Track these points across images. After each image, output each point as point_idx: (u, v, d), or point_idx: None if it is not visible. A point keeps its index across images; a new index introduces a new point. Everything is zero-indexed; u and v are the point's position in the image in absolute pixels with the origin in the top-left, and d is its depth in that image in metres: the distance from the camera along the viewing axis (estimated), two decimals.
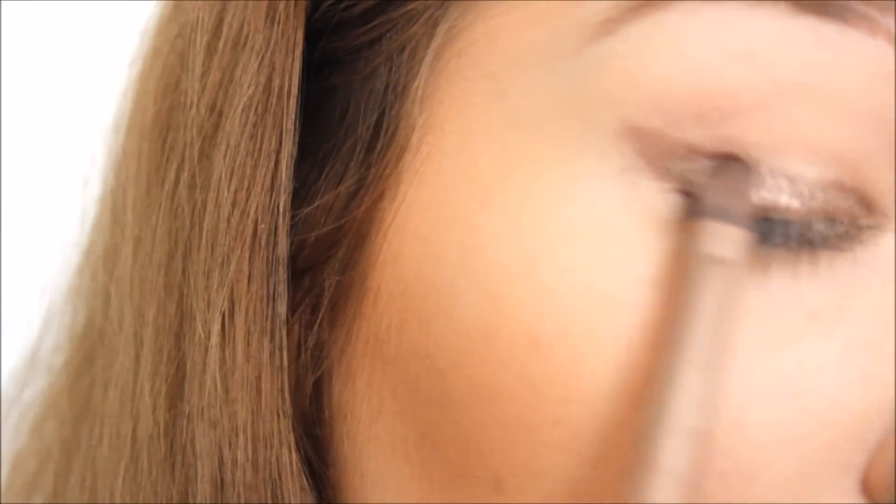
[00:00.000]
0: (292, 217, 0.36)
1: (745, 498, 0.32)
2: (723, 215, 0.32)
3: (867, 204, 0.32)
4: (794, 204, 0.32)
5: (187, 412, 0.36)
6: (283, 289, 0.36)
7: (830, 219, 0.32)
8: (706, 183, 0.32)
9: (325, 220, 0.36)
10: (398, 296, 0.35)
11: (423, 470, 0.35)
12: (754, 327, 0.32)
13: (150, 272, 0.38)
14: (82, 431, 0.41)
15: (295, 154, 0.36)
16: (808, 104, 0.32)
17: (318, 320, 0.37)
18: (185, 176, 0.37)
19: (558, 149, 0.33)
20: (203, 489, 0.36)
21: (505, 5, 0.34)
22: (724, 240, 0.32)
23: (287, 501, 0.36)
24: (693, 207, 0.32)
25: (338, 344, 0.37)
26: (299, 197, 0.37)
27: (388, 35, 0.36)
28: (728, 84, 0.32)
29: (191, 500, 0.36)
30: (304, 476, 0.36)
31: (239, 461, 0.36)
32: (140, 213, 0.39)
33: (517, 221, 0.33)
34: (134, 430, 0.38)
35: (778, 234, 0.32)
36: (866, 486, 0.32)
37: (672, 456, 0.30)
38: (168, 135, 0.38)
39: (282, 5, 0.36)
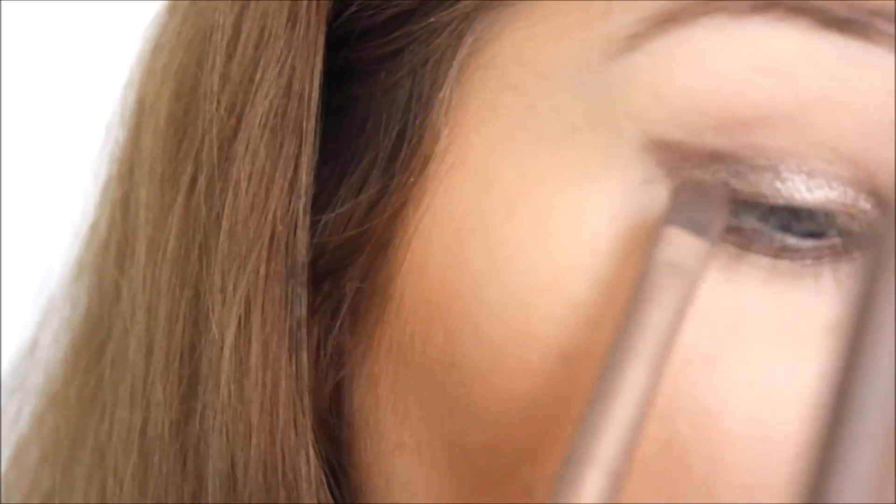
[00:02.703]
0: (313, 222, 0.37)
1: None
2: (688, 224, 0.32)
3: (884, 208, 0.33)
4: (811, 198, 0.32)
5: (199, 411, 0.36)
6: (301, 291, 0.36)
7: (850, 214, 0.33)
8: (679, 193, 0.33)
9: (347, 227, 0.37)
10: (422, 304, 0.35)
11: (452, 476, 0.35)
12: (779, 340, 0.33)
13: (164, 271, 0.38)
14: (89, 427, 0.41)
15: (315, 158, 0.36)
16: (830, 115, 0.32)
17: (338, 325, 0.37)
18: (202, 177, 0.37)
19: (584, 161, 0.34)
20: (215, 489, 0.36)
21: (531, 18, 0.34)
22: (682, 248, 0.32)
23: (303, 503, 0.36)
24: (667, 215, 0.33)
25: (359, 349, 0.37)
26: (320, 202, 0.37)
27: (412, 47, 0.36)
28: (751, 97, 0.32)
29: (202, 500, 0.36)
30: (321, 479, 0.36)
31: (252, 462, 0.36)
32: (155, 212, 0.39)
33: (544, 233, 0.34)
34: (144, 428, 0.38)
35: (797, 230, 0.33)
36: None
37: (605, 449, 0.30)
38: (185, 136, 0.38)
39: (303, 9, 0.36)
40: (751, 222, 0.33)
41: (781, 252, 0.33)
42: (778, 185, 0.32)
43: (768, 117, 0.32)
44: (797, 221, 0.33)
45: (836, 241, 0.33)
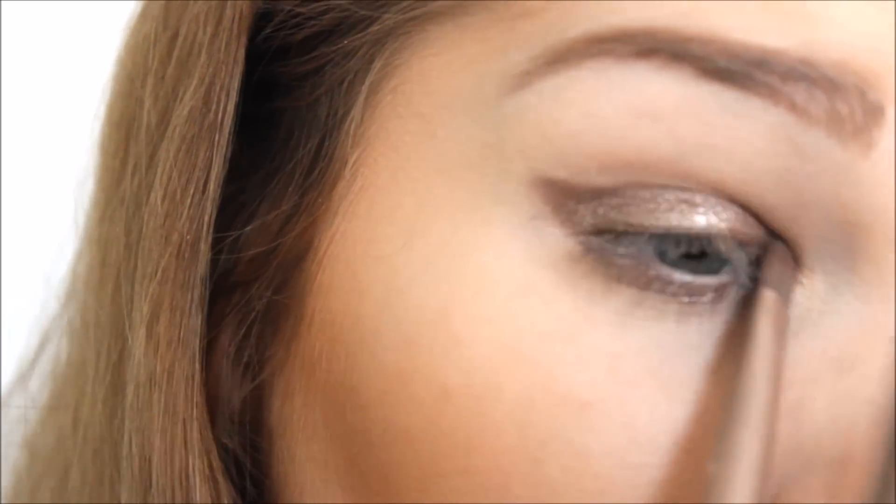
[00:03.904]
0: (229, 235, 0.37)
1: None
2: (777, 286, 0.33)
3: (774, 235, 0.33)
4: (691, 224, 0.33)
5: (119, 415, 0.37)
6: (200, 303, 0.37)
7: (737, 239, 0.33)
8: (769, 255, 0.33)
9: (260, 241, 0.37)
10: (328, 325, 0.36)
11: (352, 495, 0.36)
12: (657, 382, 0.33)
13: (103, 273, 0.39)
14: (49, 423, 0.43)
15: (225, 171, 0.37)
16: (711, 161, 0.32)
17: (249, 335, 0.38)
18: (135, 182, 0.38)
19: (476, 196, 0.34)
20: (132, 490, 0.37)
21: (437, 47, 0.35)
22: (774, 309, 0.33)
23: None
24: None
25: (277, 358, 0.38)
26: (240, 216, 0.38)
27: (328, 67, 0.36)
28: (633, 141, 0.32)
29: (123, 500, 0.37)
30: (218, 483, 0.37)
31: (155, 464, 0.37)
32: (100, 213, 0.40)
33: (434, 267, 0.34)
34: (83, 428, 0.39)
35: (672, 256, 0.33)
36: None
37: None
38: (128, 139, 0.39)
39: (226, 23, 0.37)
40: (627, 252, 0.33)
41: (652, 283, 0.33)
42: (657, 215, 0.33)
43: (649, 160, 0.32)
44: (674, 247, 0.33)
45: (717, 280, 0.33)
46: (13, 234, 0.62)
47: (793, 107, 0.32)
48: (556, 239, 0.33)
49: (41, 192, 0.62)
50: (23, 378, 0.46)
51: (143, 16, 0.40)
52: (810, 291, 0.33)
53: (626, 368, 0.33)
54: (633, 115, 0.32)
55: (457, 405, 0.33)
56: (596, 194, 0.33)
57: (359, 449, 0.35)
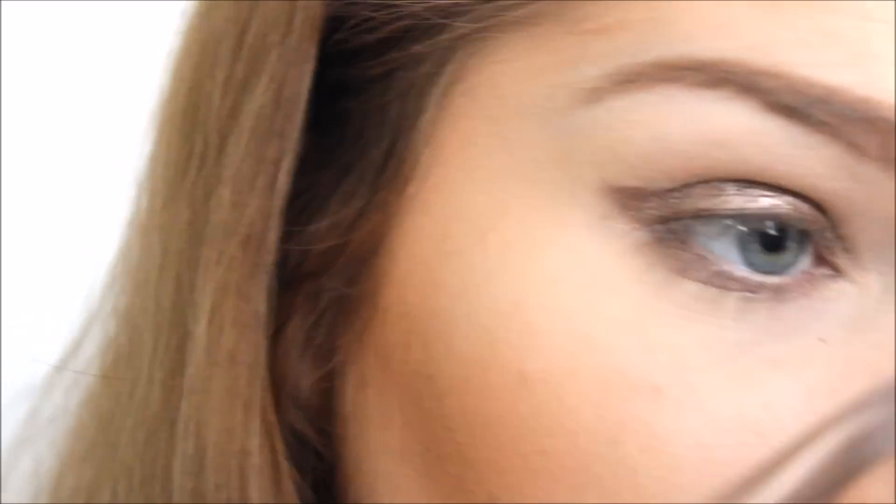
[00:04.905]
0: (300, 230, 0.39)
1: None
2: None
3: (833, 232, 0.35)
4: (756, 205, 0.34)
5: (177, 395, 0.38)
6: (266, 290, 0.38)
7: (801, 217, 0.34)
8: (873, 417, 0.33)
9: (332, 235, 0.39)
10: (403, 317, 0.37)
11: (428, 479, 0.37)
12: (723, 371, 0.34)
13: (164, 261, 0.40)
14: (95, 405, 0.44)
15: (296, 164, 0.38)
16: (774, 180, 0.34)
17: (318, 324, 0.39)
18: (202, 174, 0.39)
19: (547, 197, 0.36)
20: (185, 468, 0.38)
21: (507, 54, 0.37)
22: None
23: (251, 489, 0.38)
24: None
25: (351, 348, 0.39)
26: (310, 209, 0.39)
27: (399, 72, 0.38)
28: (701, 164, 0.34)
29: (175, 476, 0.38)
30: (279, 465, 0.38)
31: (212, 443, 0.38)
32: (161, 203, 0.41)
33: (508, 262, 0.36)
34: (137, 407, 0.40)
35: (748, 253, 0.35)
36: None
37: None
38: (194, 131, 0.40)
39: (297, 21, 0.38)
40: (692, 242, 0.35)
41: (713, 277, 0.35)
42: (724, 198, 0.34)
43: (717, 176, 0.34)
44: (739, 241, 0.35)
45: (779, 279, 0.35)
46: (13, 233, 0.62)
47: (851, 145, 0.34)
48: (624, 234, 0.35)
49: (41, 192, 0.61)
50: (71, 354, 0.46)
51: (208, 14, 0.41)
52: (865, 290, 0.35)
53: (690, 359, 0.35)
54: (701, 142, 0.34)
55: (534, 390, 0.35)
56: (664, 193, 0.35)
57: (436, 434, 0.37)
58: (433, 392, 0.37)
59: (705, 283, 0.35)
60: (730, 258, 0.35)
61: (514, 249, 0.36)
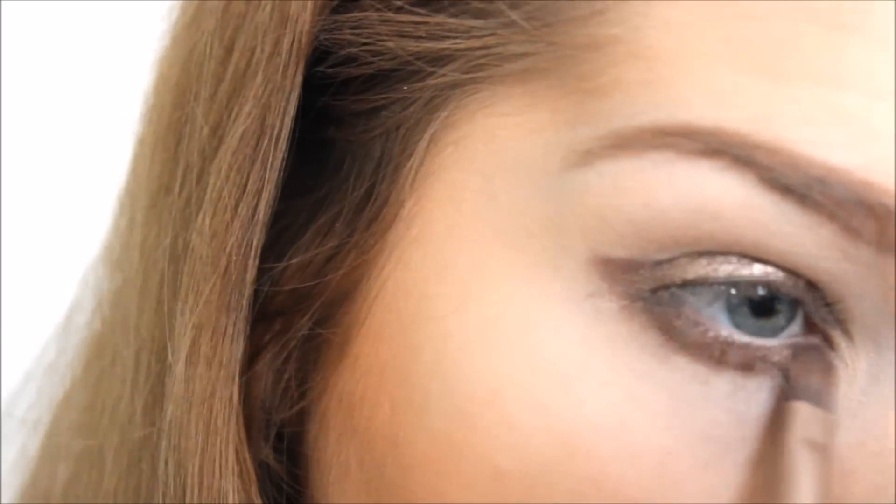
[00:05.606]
0: (271, 266, 0.37)
1: None
2: (812, 397, 0.33)
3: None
4: (749, 272, 0.33)
5: (157, 431, 0.37)
6: (242, 327, 0.37)
7: (794, 286, 0.33)
8: (789, 364, 0.33)
9: (305, 274, 0.37)
10: (373, 372, 0.36)
11: None
12: (712, 471, 0.33)
13: (149, 282, 0.39)
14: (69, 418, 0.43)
15: (277, 195, 0.37)
16: (765, 256, 0.33)
17: (288, 360, 0.38)
18: (184, 195, 0.38)
19: (534, 267, 0.34)
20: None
21: (505, 107, 0.35)
22: (811, 422, 0.33)
23: None
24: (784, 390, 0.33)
25: (318, 388, 0.38)
26: (284, 239, 0.38)
27: (386, 110, 0.36)
28: (692, 234, 0.33)
29: None
30: (253, 502, 0.37)
31: (189, 486, 0.37)
32: (147, 218, 0.40)
33: (488, 338, 0.34)
34: (117, 439, 0.39)
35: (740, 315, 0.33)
36: None
37: None
38: (177, 150, 0.39)
39: (284, 46, 0.36)
40: (684, 315, 0.33)
41: (708, 347, 0.33)
42: (714, 266, 0.33)
43: (708, 247, 0.33)
44: (729, 311, 0.33)
45: (776, 342, 0.33)
46: (13, 234, 0.62)
47: (847, 228, 0.32)
48: (612, 314, 0.34)
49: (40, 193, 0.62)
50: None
51: (193, 25, 0.39)
52: (853, 378, 0.34)
53: (675, 465, 0.33)
54: (693, 211, 0.33)
55: (509, 487, 0.34)
56: (654, 265, 0.33)
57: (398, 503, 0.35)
58: (398, 461, 0.35)
59: (698, 361, 0.33)
60: (719, 321, 0.33)
61: (496, 325, 0.34)
